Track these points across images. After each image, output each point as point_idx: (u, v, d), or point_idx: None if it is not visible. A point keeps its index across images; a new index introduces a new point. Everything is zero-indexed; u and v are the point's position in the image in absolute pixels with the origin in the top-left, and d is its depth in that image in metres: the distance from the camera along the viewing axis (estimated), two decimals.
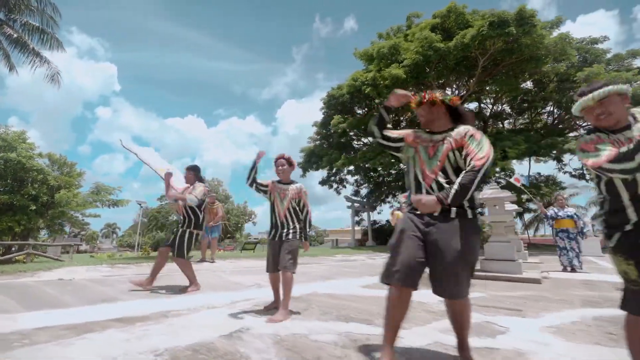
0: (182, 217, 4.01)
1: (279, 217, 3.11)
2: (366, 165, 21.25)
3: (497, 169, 17.01)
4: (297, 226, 3.16)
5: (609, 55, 17.19)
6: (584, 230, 6.31)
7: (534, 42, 13.77)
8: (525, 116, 23.20)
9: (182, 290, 3.90)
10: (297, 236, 3.13)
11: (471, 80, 18.66)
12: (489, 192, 6.00)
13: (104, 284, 4.01)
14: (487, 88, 19.81)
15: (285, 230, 3.08)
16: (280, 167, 3.21)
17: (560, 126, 20.01)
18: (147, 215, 64.52)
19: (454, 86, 18.71)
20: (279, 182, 3.24)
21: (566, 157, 19.50)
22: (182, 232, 3.93)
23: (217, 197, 40.38)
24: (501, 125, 24.34)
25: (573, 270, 6.24)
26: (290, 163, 3.28)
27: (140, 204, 15.83)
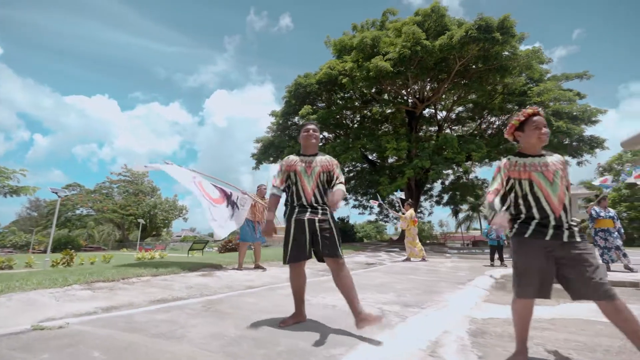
0: None
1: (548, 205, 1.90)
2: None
3: (461, 170, 17.97)
4: None
5: (548, 75, 19.63)
6: (621, 231, 6.37)
7: (509, 53, 14.68)
8: (466, 126, 25.29)
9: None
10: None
11: (430, 85, 19.39)
12: None
13: (152, 333, 2.08)
14: (443, 95, 20.88)
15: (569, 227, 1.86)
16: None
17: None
18: (38, 209, 52.53)
19: (427, 86, 19.09)
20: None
21: None
22: None
23: (141, 189, 35.18)
24: (448, 131, 26.10)
25: (628, 269, 6.21)
26: None
27: (57, 193, 11.96)
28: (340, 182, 2.43)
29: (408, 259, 8.25)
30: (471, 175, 25.11)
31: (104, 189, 41.62)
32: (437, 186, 28.67)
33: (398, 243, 23.52)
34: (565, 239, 1.75)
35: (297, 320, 2.42)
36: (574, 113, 17.98)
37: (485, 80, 17.27)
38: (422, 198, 28.02)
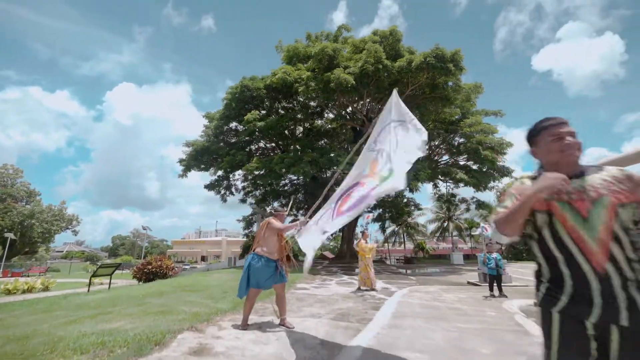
0: None
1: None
2: (282, 171, 18.71)
3: (408, 189, 18.63)
4: None
5: (472, 109, 22.29)
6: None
7: (453, 84, 15.93)
8: None
9: None
10: None
11: (378, 105, 19.99)
12: None
13: None
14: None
15: None
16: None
17: (435, 158, 24.20)
18: None
19: (375, 106, 19.43)
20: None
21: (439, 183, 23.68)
22: None
23: (11, 193, 27.43)
24: None
25: None
26: None
27: None
28: None
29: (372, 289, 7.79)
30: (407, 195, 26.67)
31: None
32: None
33: (338, 261, 23.07)
34: None
35: None
36: (491, 145, 20.66)
37: (427, 107, 18.47)
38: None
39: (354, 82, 14.39)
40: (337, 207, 3.56)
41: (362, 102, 18.43)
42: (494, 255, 6.89)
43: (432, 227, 38.01)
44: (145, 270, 15.17)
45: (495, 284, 6.78)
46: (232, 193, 24.81)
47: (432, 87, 16.31)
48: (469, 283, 9.56)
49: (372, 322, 4.53)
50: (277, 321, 4.24)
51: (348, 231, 23.89)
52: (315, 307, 5.59)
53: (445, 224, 36.14)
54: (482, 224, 11.09)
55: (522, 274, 12.02)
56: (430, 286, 8.74)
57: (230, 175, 23.79)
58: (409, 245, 38.98)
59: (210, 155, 21.03)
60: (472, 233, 34.17)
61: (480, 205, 22.85)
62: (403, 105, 3.81)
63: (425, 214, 35.58)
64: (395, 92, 4.01)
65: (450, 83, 16.35)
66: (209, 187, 23.23)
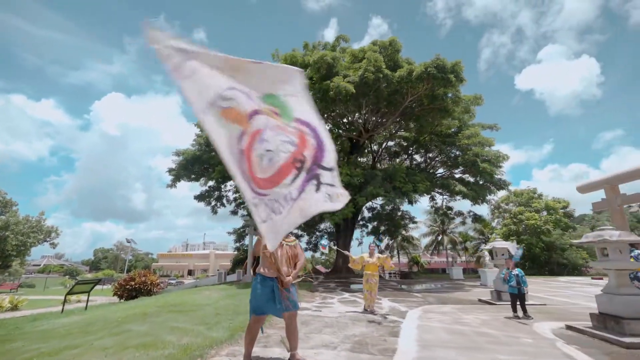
0: None
1: None
2: None
3: (406, 200, 18.12)
4: None
5: (470, 122, 22.19)
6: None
7: (453, 95, 15.73)
8: (392, 160, 26.73)
9: None
10: None
11: (375, 116, 19.71)
12: (616, 233, 4.99)
13: None
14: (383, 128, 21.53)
15: None
16: None
17: (431, 171, 23.91)
18: None
19: (373, 117, 19.09)
20: None
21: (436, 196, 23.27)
22: None
23: None
24: (379, 165, 27.02)
25: None
26: None
27: None
28: None
29: (368, 310, 6.95)
30: (402, 208, 26.10)
31: None
32: (365, 216, 29.04)
33: (333, 276, 22.17)
34: None
35: None
36: (488, 158, 20.48)
37: (425, 119, 18.22)
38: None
39: (354, 91, 14.00)
40: (251, 173, 2.26)
41: (359, 113, 18.07)
42: (516, 271, 6.28)
43: (425, 240, 37.47)
44: (127, 286, 14.06)
45: (518, 304, 6.15)
46: (223, 204, 23.83)
47: (431, 98, 16.06)
48: (480, 301, 8.93)
49: (397, 353, 3.84)
50: (286, 354, 3.51)
51: (344, 244, 23.12)
52: (325, 333, 4.85)
53: (440, 238, 35.69)
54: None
55: (531, 290, 11.47)
56: (444, 305, 8.05)
57: (222, 186, 22.94)
58: (403, 259, 38.27)
59: (202, 164, 20.20)
60: (467, 246, 33.77)
61: (477, 218, 22.49)
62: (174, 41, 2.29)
63: (419, 228, 35.09)
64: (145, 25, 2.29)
65: (449, 94, 16.14)
66: (199, 198, 22.25)
